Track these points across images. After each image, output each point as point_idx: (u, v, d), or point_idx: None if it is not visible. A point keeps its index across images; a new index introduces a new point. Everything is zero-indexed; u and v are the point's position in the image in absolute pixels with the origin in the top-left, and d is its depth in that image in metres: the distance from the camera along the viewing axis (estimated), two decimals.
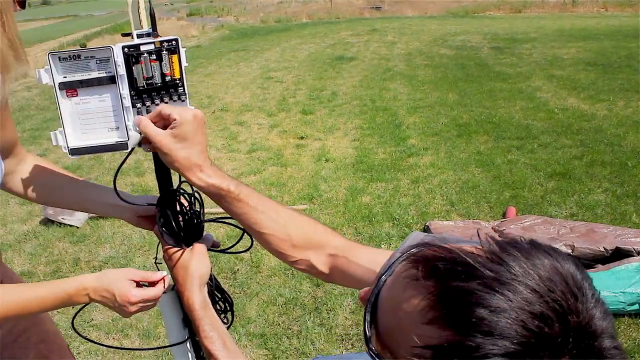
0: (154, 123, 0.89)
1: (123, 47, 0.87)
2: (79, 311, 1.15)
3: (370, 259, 0.91)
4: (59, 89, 0.89)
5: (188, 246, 1.00)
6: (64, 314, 2.89)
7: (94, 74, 0.89)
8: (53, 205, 1.36)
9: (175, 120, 0.87)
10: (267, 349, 2.60)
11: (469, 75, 8.26)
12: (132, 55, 0.88)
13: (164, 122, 0.89)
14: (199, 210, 1.03)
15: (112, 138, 0.93)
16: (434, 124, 5.89)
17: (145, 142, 0.92)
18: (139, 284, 1.02)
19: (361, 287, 0.72)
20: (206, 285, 1.01)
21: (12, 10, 0.97)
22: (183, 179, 1.01)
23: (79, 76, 0.89)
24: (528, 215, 3.48)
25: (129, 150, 0.93)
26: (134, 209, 1.12)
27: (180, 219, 1.01)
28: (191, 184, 0.92)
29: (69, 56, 0.88)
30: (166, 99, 0.93)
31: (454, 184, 4.27)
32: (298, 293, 2.99)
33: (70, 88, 0.90)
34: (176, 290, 1.07)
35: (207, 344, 0.93)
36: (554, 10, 19.29)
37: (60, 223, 3.91)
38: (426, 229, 3.49)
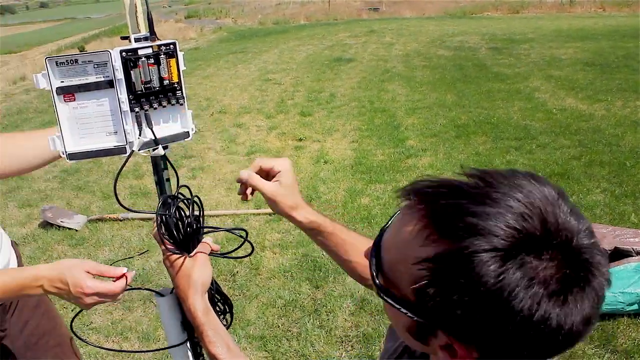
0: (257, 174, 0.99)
1: (121, 51, 0.87)
2: (77, 314, 1.15)
3: None
4: (57, 93, 0.89)
5: (189, 252, 1.00)
6: (63, 316, 2.88)
7: (92, 79, 0.89)
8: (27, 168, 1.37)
9: (279, 172, 0.98)
10: (266, 351, 2.59)
11: (467, 76, 8.27)
12: (130, 60, 0.88)
13: (266, 172, 1.00)
14: (198, 215, 1.02)
15: (111, 142, 0.93)
16: (433, 125, 5.89)
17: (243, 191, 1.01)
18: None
19: None
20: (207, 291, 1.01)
21: None
22: (181, 183, 1.01)
23: (76, 81, 0.89)
24: None
25: (127, 154, 0.93)
26: None
27: (181, 225, 1.01)
28: (294, 222, 1.00)
29: (67, 61, 0.88)
30: (164, 103, 0.93)
31: None
32: (297, 295, 2.99)
33: (68, 93, 0.89)
34: (175, 294, 1.07)
35: (211, 348, 0.93)
36: (551, 11, 19.34)
37: (59, 226, 3.90)
38: None
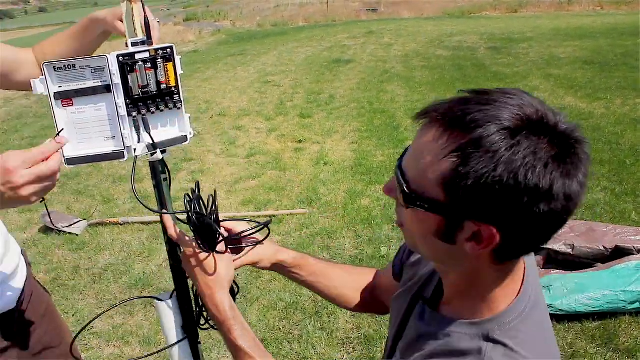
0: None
1: (118, 56, 0.87)
2: (78, 334, 1.14)
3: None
4: (54, 98, 0.89)
5: (214, 249, 0.98)
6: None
7: (89, 83, 0.89)
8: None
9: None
10: None
11: (466, 76, 8.27)
12: (127, 64, 0.88)
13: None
14: (215, 210, 1.00)
15: (109, 147, 0.93)
16: None
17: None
18: None
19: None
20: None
21: None
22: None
23: (74, 85, 0.89)
24: None
25: (125, 159, 0.93)
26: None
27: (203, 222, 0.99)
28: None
29: (64, 66, 0.88)
30: (162, 107, 0.93)
31: None
32: (298, 297, 2.98)
33: (66, 98, 0.89)
34: (175, 299, 1.07)
35: (240, 342, 0.93)
36: (550, 10, 19.34)
37: (60, 231, 3.90)
38: None
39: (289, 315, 2.86)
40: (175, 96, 0.94)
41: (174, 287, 1.08)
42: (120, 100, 0.89)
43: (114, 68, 0.87)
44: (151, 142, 0.93)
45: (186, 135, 1.00)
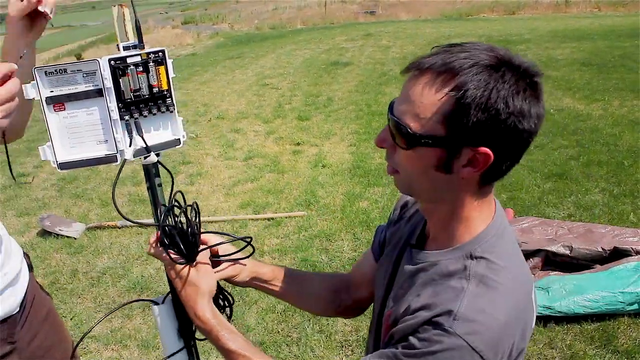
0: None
1: (109, 60, 0.87)
2: (80, 341, 1.14)
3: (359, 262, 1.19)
4: (46, 103, 0.89)
5: (193, 261, 0.99)
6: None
7: (81, 88, 0.89)
8: None
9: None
10: None
11: None
12: (119, 68, 0.87)
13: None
14: (196, 221, 1.01)
15: (101, 151, 0.92)
16: None
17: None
18: None
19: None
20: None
21: None
22: (179, 189, 1.01)
23: (66, 90, 0.89)
24: (525, 216, 3.47)
25: (118, 162, 0.93)
26: None
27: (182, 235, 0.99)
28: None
29: (55, 70, 0.87)
30: (154, 110, 0.93)
31: None
32: None
33: (58, 102, 0.89)
34: (170, 301, 1.06)
35: (230, 345, 0.94)
36: (547, 11, 19.37)
37: (58, 234, 3.90)
38: None
39: (287, 318, 2.86)
40: (167, 99, 0.94)
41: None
42: (113, 104, 0.89)
43: (106, 72, 0.87)
44: (144, 145, 0.93)
45: (179, 139, 0.99)
